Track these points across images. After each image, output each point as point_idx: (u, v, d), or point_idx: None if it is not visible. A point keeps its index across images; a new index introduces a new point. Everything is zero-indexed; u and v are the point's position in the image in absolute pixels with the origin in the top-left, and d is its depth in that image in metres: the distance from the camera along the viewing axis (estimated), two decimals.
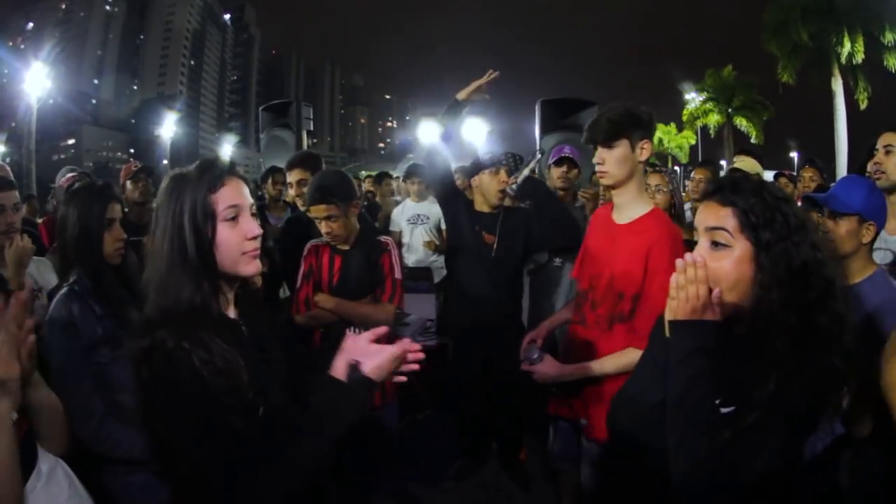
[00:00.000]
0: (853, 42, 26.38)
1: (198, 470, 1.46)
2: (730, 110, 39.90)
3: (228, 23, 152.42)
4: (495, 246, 4.00)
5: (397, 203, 7.39)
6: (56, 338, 2.44)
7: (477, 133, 12.43)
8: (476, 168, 4.03)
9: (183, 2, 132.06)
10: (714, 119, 40.65)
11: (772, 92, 35.04)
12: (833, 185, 2.84)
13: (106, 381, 2.52)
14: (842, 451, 2.09)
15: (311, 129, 7.81)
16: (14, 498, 1.53)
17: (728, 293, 1.55)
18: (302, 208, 4.29)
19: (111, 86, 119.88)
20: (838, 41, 26.68)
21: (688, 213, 5.14)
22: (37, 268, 3.19)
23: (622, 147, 2.70)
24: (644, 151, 2.74)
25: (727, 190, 1.58)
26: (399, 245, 6.78)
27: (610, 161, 2.72)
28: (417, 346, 1.69)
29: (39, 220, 6.14)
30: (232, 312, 1.74)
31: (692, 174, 5.79)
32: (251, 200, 1.71)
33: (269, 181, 6.22)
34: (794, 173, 7.37)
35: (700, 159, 31.98)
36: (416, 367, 1.69)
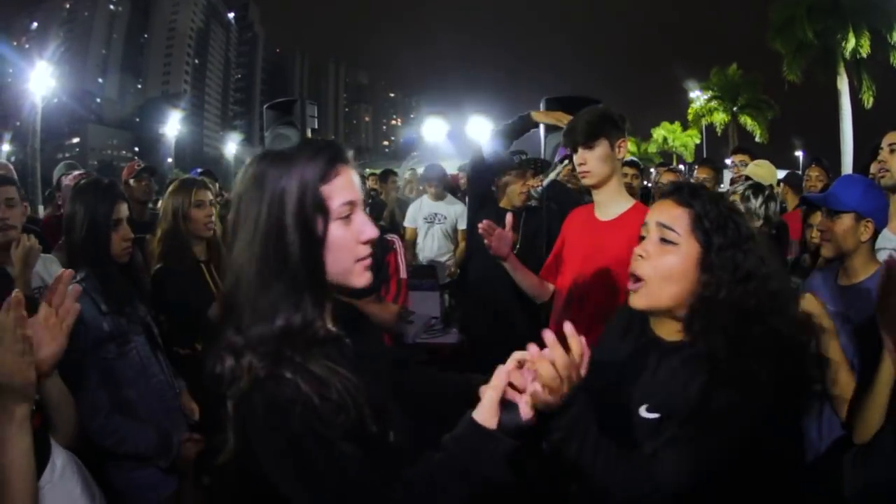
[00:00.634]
0: (858, 36, 26.25)
1: None
2: (735, 109, 39.84)
3: (232, 21, 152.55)
4: (518, 245, 4.02)
5: (401, 201, 7.39)
6: None
7: (481, 131, 12.46)
8: (501, 168, 4.09)
9: (187, 0, 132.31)
10: (719, 118, 40.59)
11: (777, 91, 35.06)
12: (832, 184, 2.82)
13: (112, 376, 2.55)
14: (843, 455, 2.08)
15: (316, 127, 7.79)
16: (30, 497, 1.53)
17: (666, 283, 1.59)
18: None
19: (115, 85, 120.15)
20: (843, 38, 26.58)
21: None
22: (44, 265, 3.19)
23: (602, 146, 2.80)
24: (622, 149, 2.86)
25: (686, 192, 1.63)
26: (413, 243, 6.82)
27: (592, 160, 2.81)
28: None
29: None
30: (330, 324, 1.39)
31: (694, 172, 5.78)
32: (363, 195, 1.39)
33: None
34: (800, 172, 7.34)
35: (705, 158, 31.89)
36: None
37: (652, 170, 11.05)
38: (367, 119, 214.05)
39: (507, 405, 1.25)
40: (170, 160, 56.85)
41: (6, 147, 49.88)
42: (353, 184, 1.33)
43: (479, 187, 4.24)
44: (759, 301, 1.53)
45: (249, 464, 1.22)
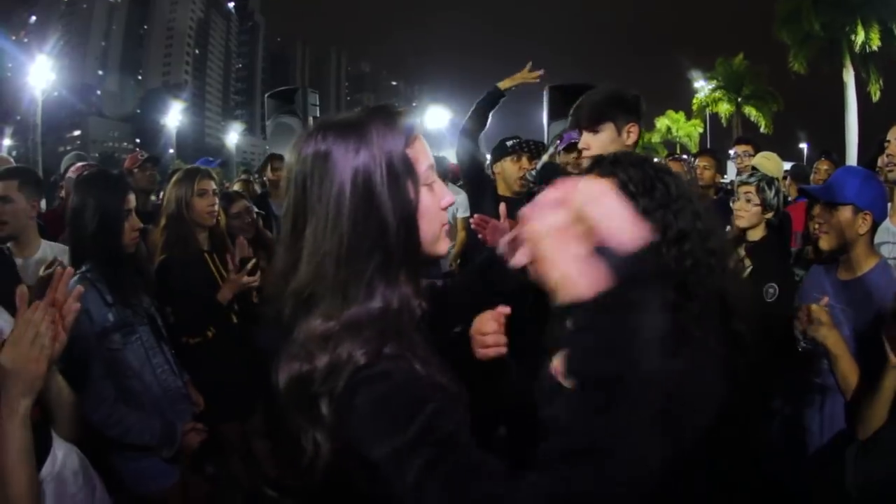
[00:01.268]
0: (867, 30, 26.11)
1: None
2: (739, 99, 39.69)
3: (232, 10, 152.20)
4: None
5: None
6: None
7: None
8: (499, 154, 4.02)
9: None
10: (724, 108, 40.44)
11: (782, 82, 34.93)
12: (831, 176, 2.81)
13: (117, 367, 2.58)
14: (844, 448, 2.08)
15: (318, 115, 7.79)
16: (30, 489, 1.55)
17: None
18: None
19: (116, 77, 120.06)
20: (852, 30, 26.44)
21: None
22: (53, 254, 3.21)
23: (608, 131, 2.55)
24: (631, 135, 2.58)
25: (607, 163, 1.48)
26: None
27: (595, 146, 2.55)
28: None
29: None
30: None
31: (695, 162, 5.75)
32: None
33: (269, 168, 6.21)
34: (805, 164, 7.33)
35: (706, 148, 32.04)
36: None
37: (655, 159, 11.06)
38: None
39: None
40: (171, 151, 56.80)
41: (7, 141, 49.89)
42: (427, 147, 1.22)
43: (470, 174, 4.18)
44: (695, 260, 1.41)
45: (351, 465, 1.06)
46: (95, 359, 2.47)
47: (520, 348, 1.54)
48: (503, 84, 3.59)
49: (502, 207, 2.57)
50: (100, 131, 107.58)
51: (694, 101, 43.36)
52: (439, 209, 1.21)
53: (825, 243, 2.61)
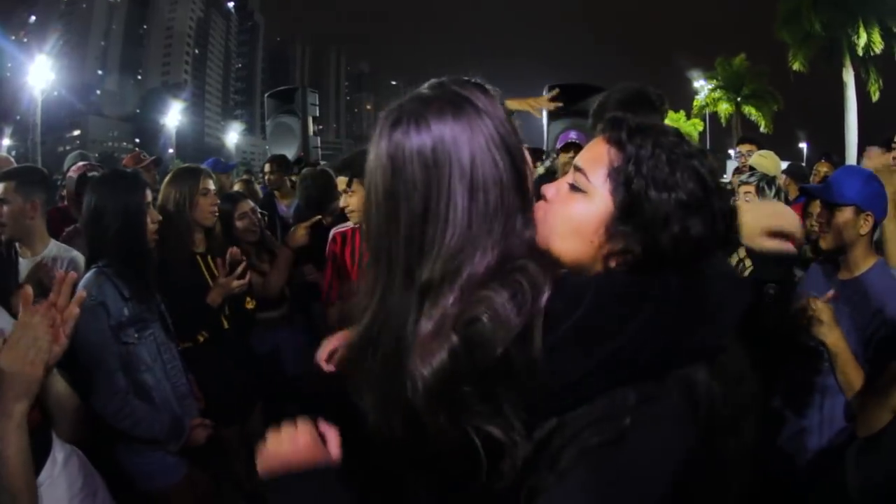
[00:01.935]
0: (869, 33, 26.14)
1: None
2: (739, 99, 39.71)
3: (232, 10, 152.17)
4: None
5: None
6: (85, 316, 2.42)
7: None
8: None
9: None
10: (723, 108, 40.49)
11: (782, 82, 34.93)
12: (831, 175, 2.81)
13: (130, 360, 2.60)
14: (844, 447, 2.08)
15: (317, 115, 7.79)
16: (28, 492, 1.54)
17: (563, 238, 1.14)
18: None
19: (115, 76, 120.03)
20: (854, 31, 26.47)
21: None
22: (59, 253, 3.22)
23: None
24: None
25: (625, 127, 1.14)
26: None
27: None
28: None
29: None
30: None
31: None
32: None
33: (263, 171, 6.24)
34: (804, 164, 7.34)
35: (708, 147, 32.06)
36: None
37: None
38: (368, 107, 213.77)
39: None
40: (171, 151, 56.82)
41: (7, 141, 49.86)
42: None
43: None
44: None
45: None
46: (111, 352, 2.50)
47: None
48: (511, 105, 3.38)
49: None
50: (99, 131, 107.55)
51: (694, 102, 43.39)
52: None
53: (826, 243, 2.61)
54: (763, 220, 1.36)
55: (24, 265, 3.13)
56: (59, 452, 1.81)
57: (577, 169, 1.12)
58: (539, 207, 1.12)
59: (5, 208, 3.06)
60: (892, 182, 2.66)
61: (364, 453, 1.11)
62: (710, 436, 1.00)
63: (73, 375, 2.32)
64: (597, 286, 0.97)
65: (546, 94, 3.24)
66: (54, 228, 3.72)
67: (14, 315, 1.64)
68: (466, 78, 1.13)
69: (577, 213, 1.09)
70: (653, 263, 1.03)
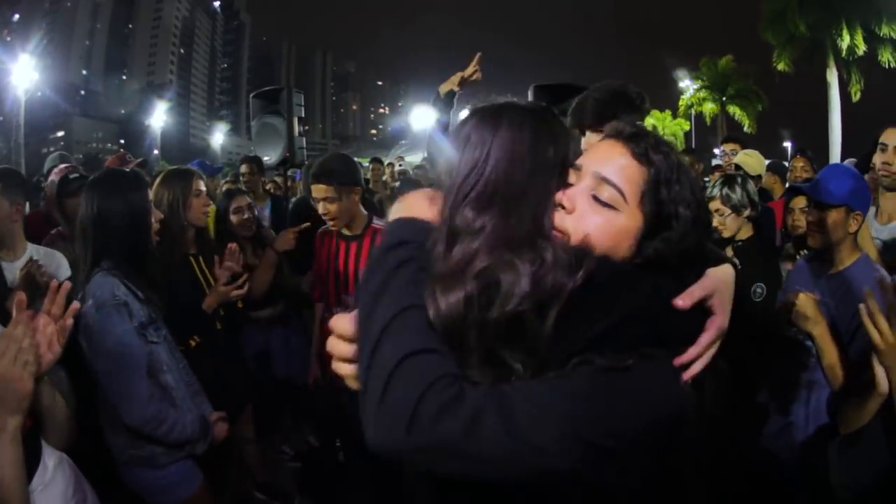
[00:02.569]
0: (852, 34, 26.45)
1: None
2: (724, 99, 40.01)
3: (218, 10, 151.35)
4: None
5: (393, 189, 7.37)
6: (111, 319, 2.40)
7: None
8: None
9: None
10: (708, 108, 40.79)
11: (766, 82, 35.23)
12: (818, 174, 2.83)
13: (153, 362, 2.56)
14: (828, 442, 2.09)
15: (303, 115, 7.74)
16: (21, 503, 1.52)
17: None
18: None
19: (100, 76, 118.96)
20: (837, 33, 26.78)
21: None
22: (38, 257, 3.18)
23: None
24: None
25: (649, 143, 1.27)
26: None
27: None
28: None
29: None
30: None
31: None
32: None
33: (245, 170, 6.29)
34: (786, 163, 7.42)
35: (693, 146, 32.41)
36: None
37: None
38: (354, 107, 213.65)
39: None
40: (156, 152, 56.50)
41: None
42: None
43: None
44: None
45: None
46: (141, 354, 2.47)
47: None
48: (443, 89, 3.13)
49: None
50: (84, 132, 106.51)
51: (680, 101, 43.64)
52: None
53: (815, 242, 2.64)
54: None
55: (6, 269, 3.08)
56: (50, 459, 1.79)
57: (606, 181, 1.18)
58: (563, 219, 1.18)
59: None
60: None
61: None
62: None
63: (77, 382, 2.28)
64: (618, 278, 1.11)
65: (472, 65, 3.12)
66: (36, 231, 3.68)
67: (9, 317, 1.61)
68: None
69: (609, 229, 1.17)
70: (658, 267, 1.18)
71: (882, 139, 3.22)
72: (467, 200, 1.14)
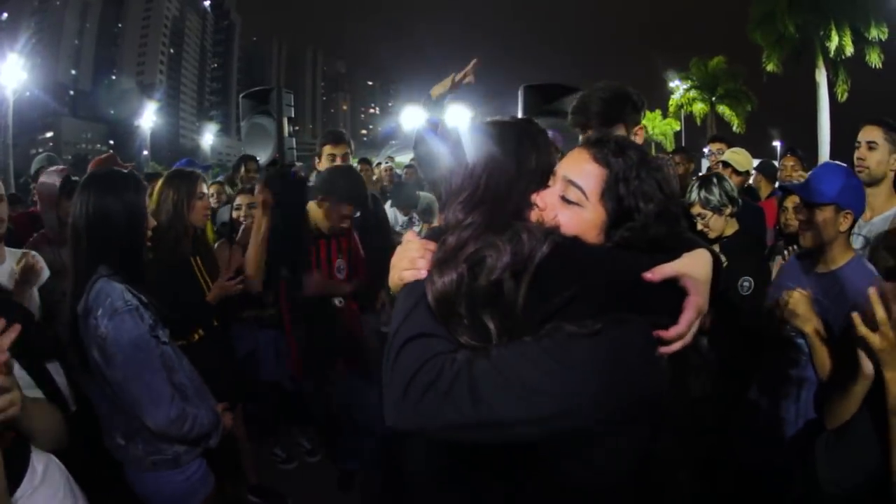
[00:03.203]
0: (841, 36, 26.66)
1: None
2: (713, 99, 40.20)
3: (208, 9, 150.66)
4: None
5: (385, 189, 7.37)
6: (126, 324, 2.38)
7: (460, 118, 12.36)
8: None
9: None
10: (698, 108, 41.00)
11: (755, 82, 35.41)
12: (809, 174, 2.86)
13: (166, 361, 2.56)
14: (815, 438, 2.11)
15: (293, 115, 7.71)
16: None
17: None
18: None
19: (89, 76, 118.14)
20: (826, 34, 26.97)
21: None
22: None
23: (619, 131, 2.38)
24: (637, 138, 2.48)
25: (610, 147, 1.46)
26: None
27: None
28: None
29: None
30: None
31: (672, 159, 5.86)
32: None
33: (242, 169, 6.19)
34: (776, 162, 7.49)
35: (683, 146, 32.57)
36: None
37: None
38: (344, 108, 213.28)
39: None
40: (145, 153, 56.28)
41: None
42: None
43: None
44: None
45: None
46: (157, 356, 2.46)
47: None
48: (435, 92, 3.24)
49: None
50: (73, 132, 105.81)
51: (670, 101, 43.81)
52: None
53: (806, 241, 2.66)
54: None
55: None
56: (39, 463, 1.78)
57: (573, 184, 1.39)
58: (537, 213, 1.43)
59: (4, 205, 3.03)
60: None
61: None
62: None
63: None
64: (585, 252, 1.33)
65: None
66: (23, 234, 3.67)
67: None
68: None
69: (576, 222, 1.38)
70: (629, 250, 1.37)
71: (858, 136, 3.29)
72: (460, 202, 1.39)
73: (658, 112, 50.68)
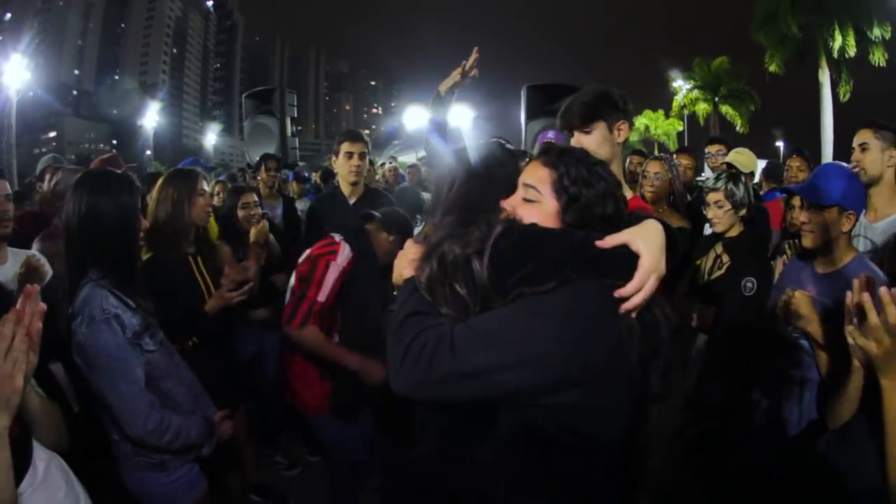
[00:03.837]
0: (844, 36, 26.64)
1: None
2: (716, 99, 40.18)
3: (211, 9, 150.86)
4: None
5: (389, 189, 7.37)
6: (102, 335, 2.34)
7: (463, 118, 12.36)
8: None
9: None
10: (701, 108, 40.96)
11: (758, 82, 35.39)
12: (811, 175, 2.86)
13: (152, 369, 2.52)
14: (817, 439, 2.11)
15: (296, 115, 7.75)
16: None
17: None
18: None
19: (92, 76, 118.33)
20: (829, 34, 26.94)
21: None
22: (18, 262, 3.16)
23: (599, 130, 2.57)
24: (622, 133, 2.60)
25: (553, 153, 1.71)
26: None
27: (588, 145, 2.46)
28: None
29: None
30: None
31: (675, 159, 5.84)
32: None
33: (263, 168, 6.14)
34: (780, 161, 7.50)
35: (686, 146, 32.45)
36: None
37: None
38: (347, 108, 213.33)
39: None
40: (148, 152, 56.40)
41: None
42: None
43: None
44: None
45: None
46: (136, 365, 2.41)
47: None
48: (443, 87, 3.26)
49: None
50: (76, 132, 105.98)
51: (673, 102, 43.79)
52: None
53: (809, 242, 2.66)
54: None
55: None
56: (40, 461, 1.78)
57: (529, 186, 1.66)
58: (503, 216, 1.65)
59: (11, 204, 3.04)
60: None
61: None
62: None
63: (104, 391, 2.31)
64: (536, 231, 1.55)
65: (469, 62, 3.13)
66: (27, 232, 3.67)
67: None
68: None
69: (535, 214, 1.62)
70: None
71: (853, 142, 3.35)
72: (442, 209, 1.74)
73: (661, 112, 50.63)
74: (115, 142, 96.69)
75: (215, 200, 5.36)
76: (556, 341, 1.37)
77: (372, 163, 9.90)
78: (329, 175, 8.82)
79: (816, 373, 2.53)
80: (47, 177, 4.79)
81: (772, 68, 29.33)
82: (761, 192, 6.02)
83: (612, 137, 2.59)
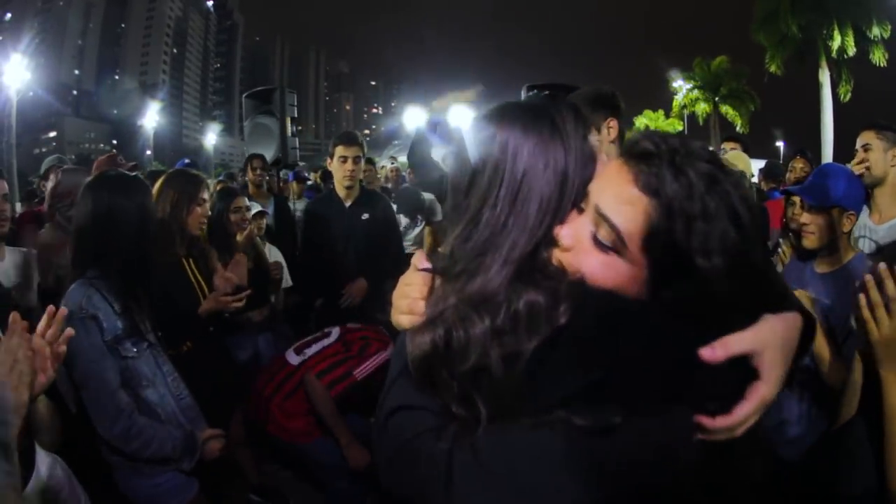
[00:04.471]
0: (843, 35, 26.65)
1: None
2: (716, 99, 40.17)
3: (211, 9, 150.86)
4: None
5: (385, 189, 7.37)
6: (77, 332, 2.22)
7: (463, 118, 12.34)
8: None
9: None
10: (701, 108, 40.95)
11: (758, 82, 35.39)
12: (810, 176, 2.86)
13: (131, 376, 2.47)
14: (821, 439, 2.11)
15: (296, 115, 7.72)
16: None
17: None
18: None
19: (92, 76, 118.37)
20: (829, 34, 26.94)
21: None
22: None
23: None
24: (612, 130, 2.60)
25: (664, 165, 1.01)
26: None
27: None
28: None
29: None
30: None
31: None
32: None
33: (249, 167, 6.19)
34: (780, 161, 7.53)
35: None
36: None
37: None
38: (347, 108, 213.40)
39: None
40: (148, 152, 56.39)
41: None
42: None
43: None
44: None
45: None
46: (109, 368, 2.37)
47: None
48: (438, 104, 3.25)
49: None
50: (76, 132, 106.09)
51: (674, 103, 43.79)
52: None
53: (810, 242, 2.65)
54: None
55: None
56: (43, 464, 1.78)
57: (604, 219, 1.00)
58: (560, 254, 1.06)
59: (9, 204, 3.04)
60: None
61: None
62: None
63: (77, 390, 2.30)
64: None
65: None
66: (28, 231, 3.67)
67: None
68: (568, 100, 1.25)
69: (609, 274, 1.01)
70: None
71: (856, 144, 3.37)
72: (461, 232, 1.10)
73: (661, 112, 50.66)
74: (115, 142, 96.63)
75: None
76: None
77: (373, 162, 9.89)
78: (329, 175, 8.81)
79: (816, 373, 2.52)
80: (51, 176, 4.80)
81: (772, 68, 29.38)
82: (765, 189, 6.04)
83: (602, 136, 2.58)
